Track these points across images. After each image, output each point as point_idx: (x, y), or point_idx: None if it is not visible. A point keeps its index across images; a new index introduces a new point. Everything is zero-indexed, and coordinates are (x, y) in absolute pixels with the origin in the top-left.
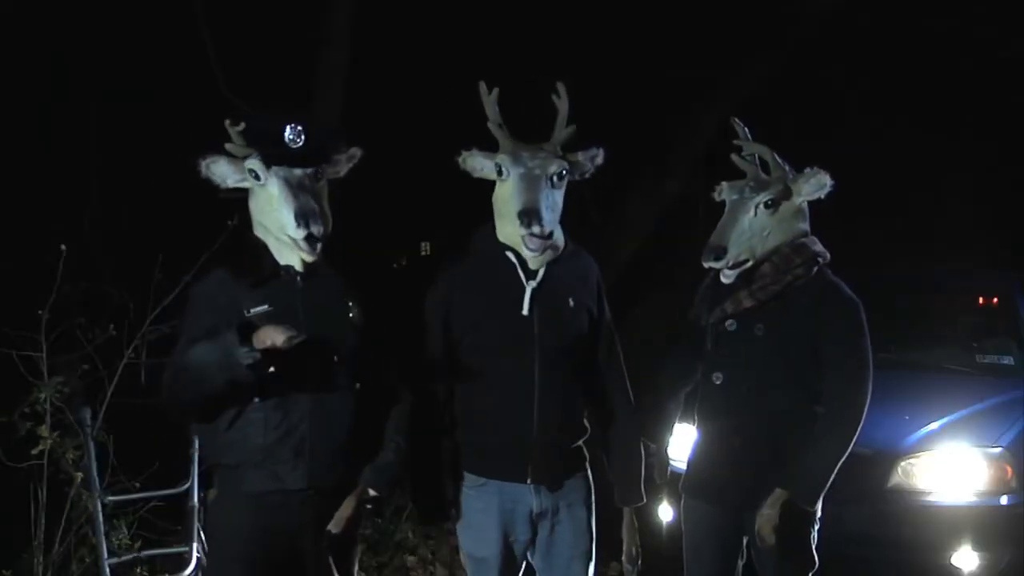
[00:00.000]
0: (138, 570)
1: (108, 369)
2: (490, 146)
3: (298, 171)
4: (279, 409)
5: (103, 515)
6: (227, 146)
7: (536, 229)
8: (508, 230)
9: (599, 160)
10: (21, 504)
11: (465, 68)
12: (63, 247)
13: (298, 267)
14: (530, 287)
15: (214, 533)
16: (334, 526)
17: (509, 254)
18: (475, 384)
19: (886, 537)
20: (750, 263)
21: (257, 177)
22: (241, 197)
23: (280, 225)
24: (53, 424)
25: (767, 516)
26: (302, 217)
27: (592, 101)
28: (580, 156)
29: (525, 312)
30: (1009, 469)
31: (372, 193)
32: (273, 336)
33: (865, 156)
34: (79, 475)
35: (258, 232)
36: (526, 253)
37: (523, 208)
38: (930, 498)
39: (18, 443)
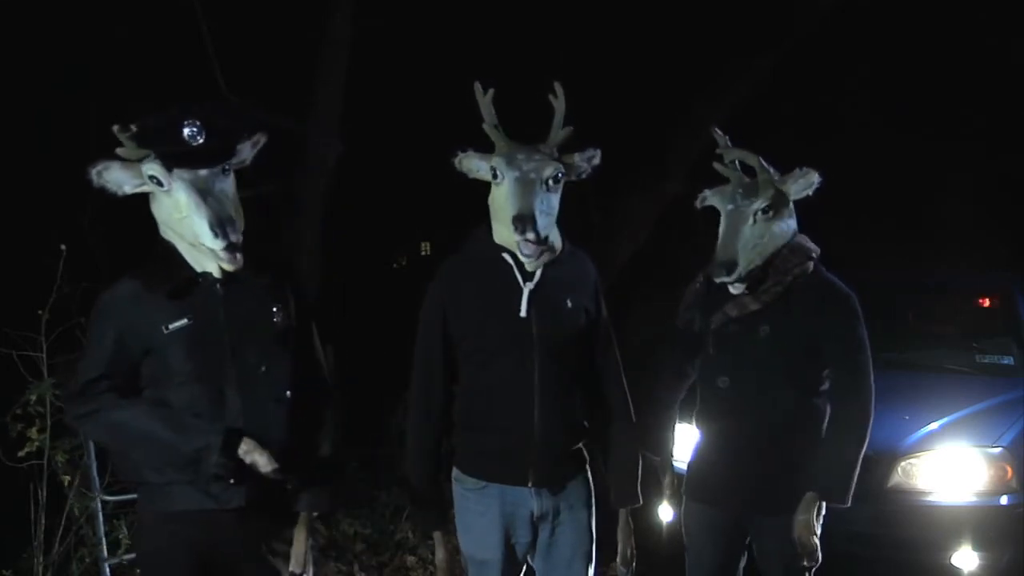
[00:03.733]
0: (138, 571)
1: None
2: (488, 147)
3: (203, 171)
4: (211, 425)
5: (102, 515)
6: (119, 151)
7: (530, 236)
8: (504, 233)
9: (596, 161)
10: (21, 504)
11: (467, 67)
12: (63, 247)
13: (216, 274)
14: (527, 289)
15: (142, 558)
16: (294, 566)
17: (506, 256)
18: (475, 387)
19: (886, 537)
20: (757, 269)
21: (160, 183)
22: None
23: (194, 234)
24: (52, 424)
25: (804, 521)
26: (218, 227)
27: (592, 101)
28: (576, 158)
29: (523, 314)
30: (1009, 469)
31: (373, 193)
32: (257, 459)
33: (865, 157)
34: (67, 478)
35: (167, 236)
36: (522, 257)
37: (517, 214)
38: (930, 498)
39: (17, 443)
